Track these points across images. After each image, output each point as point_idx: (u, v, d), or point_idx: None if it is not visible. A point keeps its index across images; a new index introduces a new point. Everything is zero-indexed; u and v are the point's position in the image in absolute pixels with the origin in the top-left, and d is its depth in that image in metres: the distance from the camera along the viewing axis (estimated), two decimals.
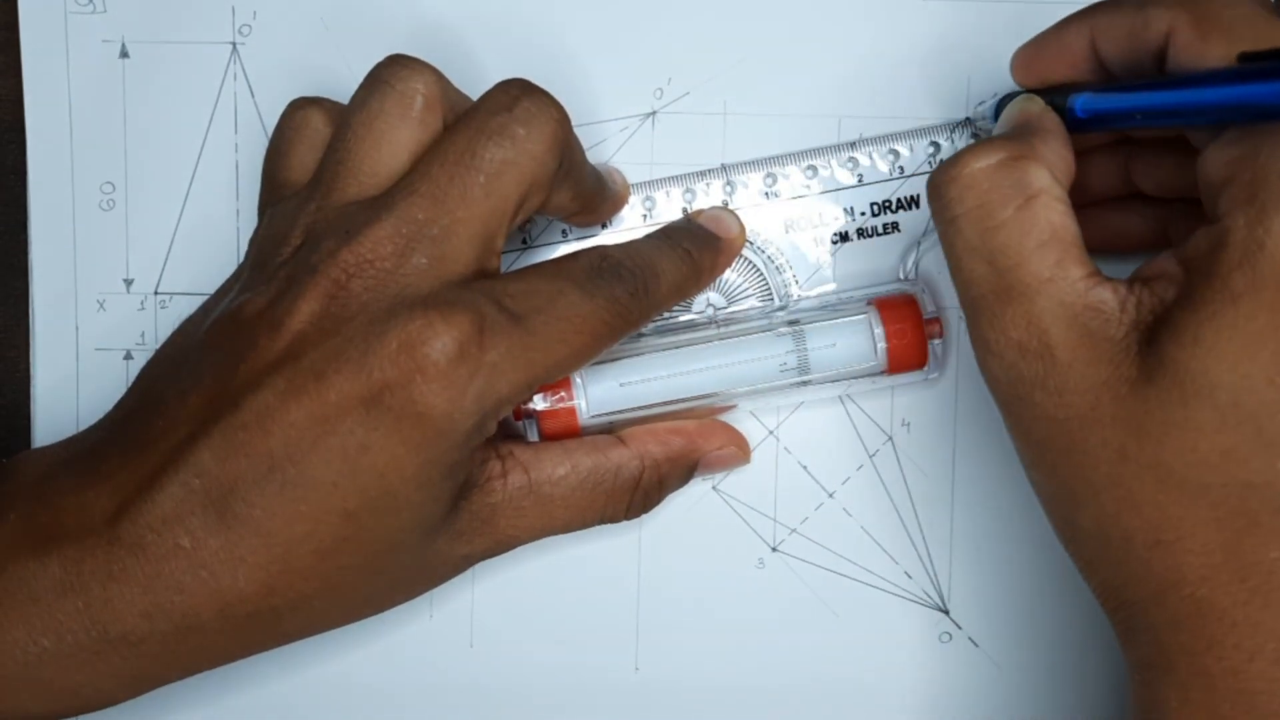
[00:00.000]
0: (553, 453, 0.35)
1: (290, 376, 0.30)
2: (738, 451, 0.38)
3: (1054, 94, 0.33)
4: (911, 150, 0.38)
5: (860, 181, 0.38)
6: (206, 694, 0.39)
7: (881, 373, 0.36)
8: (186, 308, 0.38)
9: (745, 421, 0.39)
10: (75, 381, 0.38)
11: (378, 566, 0.31)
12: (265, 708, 0.39)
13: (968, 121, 0.38)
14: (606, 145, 0.38)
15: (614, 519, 0.36)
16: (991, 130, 0.35)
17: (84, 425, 0.38)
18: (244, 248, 0.38)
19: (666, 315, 0.37)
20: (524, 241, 0.38)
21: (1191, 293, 0.28)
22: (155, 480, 0.30)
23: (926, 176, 0.35)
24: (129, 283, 0.38)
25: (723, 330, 0.36)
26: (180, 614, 0.30)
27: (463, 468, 0.32)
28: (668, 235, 0.36)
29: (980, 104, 0.37)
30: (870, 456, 0.39)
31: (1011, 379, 0.29)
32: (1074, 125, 0.32)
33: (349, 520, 0.30)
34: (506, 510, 0.34)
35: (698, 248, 0.36)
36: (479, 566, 0.39)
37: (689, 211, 0.38)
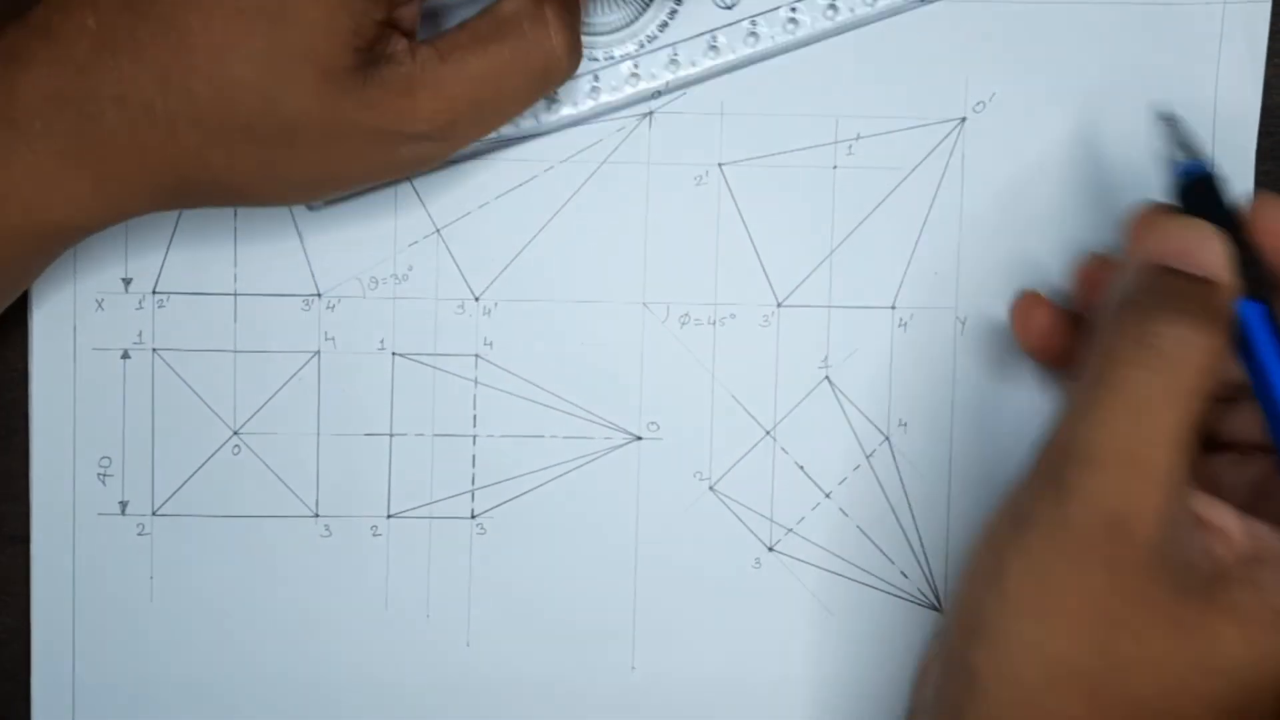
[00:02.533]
0: (455, 31, 0.34)
1: None
2: None
3: (1252, 269, 0.29)
4: None
5: None
6: (200, 693, 0.39)
7: None
8: (184, 307, 0.38)
9: (742, 421, 0.39)
10: (73, 381, 0.38)
11: (272, 97, 0.31)
12: (260, 707, 0.39)
13: (1171, 119, 0.33)
14: (603, 145, 0.38)
15: (549, 70, 0.34)
16: (1175, 159, 0.32)
17: (81, 425, 0.38)
18: (241, 248, 0.38)
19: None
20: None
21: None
22: None
23: None
24: (127, 282, 0.38)
25: None
26: (81, 98, 0.30)
27: (365, 18, 0.31)
28: None
29: (1185, 138, 0.32)
30: (867, 457, 0.39)
31: (1081, 538, 0.29)
32: None
33: (239, 17, 0.30)
34: (423, 80, 0.33)
35: None
36: (475, 564, 0.39)
37: None
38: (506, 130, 0.37)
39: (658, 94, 0.37)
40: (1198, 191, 0.31)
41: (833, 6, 0.37)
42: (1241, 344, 0.29)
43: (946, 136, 0.38)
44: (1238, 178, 0.38)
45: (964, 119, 0.38)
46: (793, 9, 0.37)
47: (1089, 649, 0.29)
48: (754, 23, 0.37)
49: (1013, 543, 0.29)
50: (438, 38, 0.33)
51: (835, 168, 0.38)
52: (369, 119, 0.32)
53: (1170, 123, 0.32)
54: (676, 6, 0.37)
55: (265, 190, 0.33)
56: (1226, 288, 0.30)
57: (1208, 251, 0.30)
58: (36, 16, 0.31)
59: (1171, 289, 0.30)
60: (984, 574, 0.30)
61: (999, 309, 0.38)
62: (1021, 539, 0.29)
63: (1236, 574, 0.29)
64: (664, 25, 0.37)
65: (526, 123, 0.38)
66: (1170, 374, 0.28)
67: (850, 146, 0.38)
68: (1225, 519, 0.30)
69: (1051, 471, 0.29)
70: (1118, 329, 0.29)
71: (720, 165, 0.38)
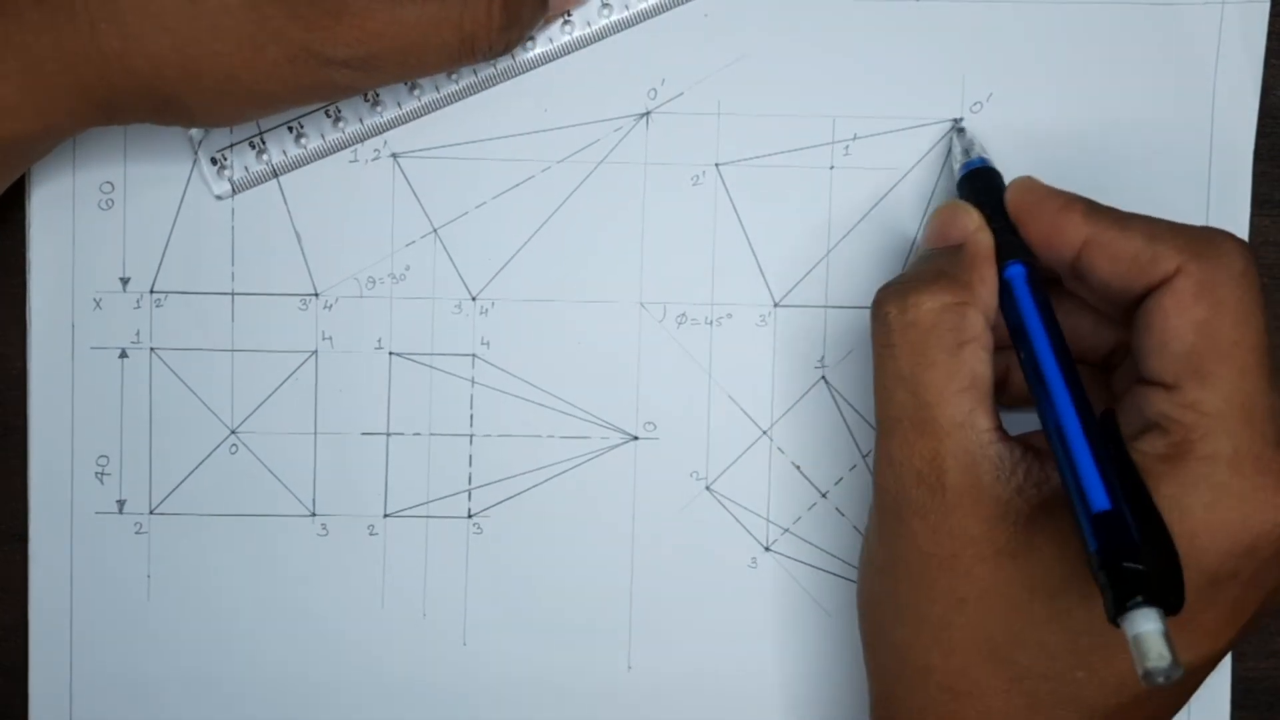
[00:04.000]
0: None
1: None
2: None
3: (1013, 238, 0.33)
4: None
5: None
6: (197, 691, 0.39)
7: None
8: (182, 307, 0.38)
9: (737, 422, 0.39)
10: (70, 379, 0.38)
11: None
12: (257, 705, 0.39)
13: (959, 129, 0.38)
14: (600, 145, 0.38)
15: (476, 37, 0.34)
16: (959, 161, 0.37)
17: (79, 424, 0.38)
18: (239, 247, 0.38)
19: None
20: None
21: None
22: None
23: None
24: (125, 281, 0.39)
25: None
26: None
27: None
28: None
29: (969, 143, 0.37)
30: (863, 456, 0.39)
31: (899, 498, 0.32)
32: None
33: None
34: (354, 7, 0.32)
35: None
36: (472, 563, 0.39)
37: None
38: (526, 54, 0.38)
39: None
40: (972, 182, 0.36)
41: None
42: (1007, 297, 0.33)
43: (943, 137, 0.38)
44: (1235, 177, 0.38)
45: (960, 119, 0.38)
46: None
47: (932, 594, 0.31)
48: None
49: (871, 514, 0.34)
50: None
51: (832, 168, 0.38)
52: (292, 30, 0.32)
53: (959, 132, 0.38)
54: None
55: (192, 101, 0.33)
56: (975, 244, 0.33)
57: (961, 221, 0.34)
58: None
59: (918, 267, 0.34)
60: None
61: None
62: (873, 507, 0.33)
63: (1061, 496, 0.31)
64: None
65: (541, 49, 0.38)
66: (927, 338, 0.31)
67: (847, 147, 0.38)
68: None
69: (877, 447, 0.33)
70: (881, 314, 0.32)
71: (717, 165, 0.38)
